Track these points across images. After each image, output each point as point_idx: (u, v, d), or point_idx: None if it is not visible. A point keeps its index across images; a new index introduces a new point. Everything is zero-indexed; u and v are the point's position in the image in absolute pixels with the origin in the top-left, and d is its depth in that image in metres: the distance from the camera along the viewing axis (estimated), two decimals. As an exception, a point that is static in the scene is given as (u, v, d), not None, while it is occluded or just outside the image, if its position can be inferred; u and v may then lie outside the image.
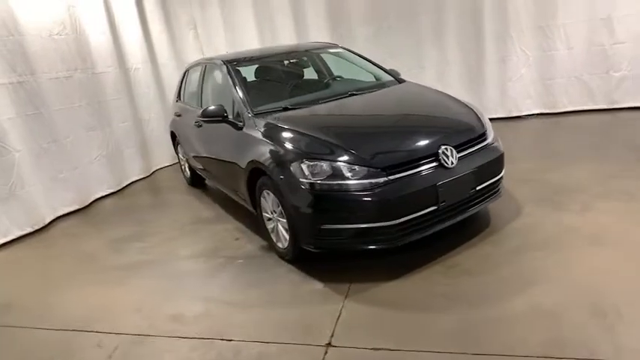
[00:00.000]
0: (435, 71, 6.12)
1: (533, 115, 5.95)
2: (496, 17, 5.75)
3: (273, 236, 3.31)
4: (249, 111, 3.42)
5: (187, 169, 5.47)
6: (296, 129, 3.06)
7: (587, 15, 5.36)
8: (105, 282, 3.42)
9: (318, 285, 2.85)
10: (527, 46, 5.73)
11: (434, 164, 2.74)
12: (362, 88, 3.76)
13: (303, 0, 6.53)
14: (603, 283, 2.42)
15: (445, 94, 3.58)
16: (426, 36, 6.10)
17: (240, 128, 3.44)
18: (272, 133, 3.11)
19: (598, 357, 1.94)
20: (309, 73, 4.33)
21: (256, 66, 4.12)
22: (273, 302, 2.77)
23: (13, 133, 4.57)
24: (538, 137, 5.29)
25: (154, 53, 6.58)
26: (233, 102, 3.61)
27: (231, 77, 3.77)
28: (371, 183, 2.60)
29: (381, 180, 2.61)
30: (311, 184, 2.69)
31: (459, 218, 2.88)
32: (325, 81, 4.15)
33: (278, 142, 3.01)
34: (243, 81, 3.81)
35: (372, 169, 2.63)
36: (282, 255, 3.23)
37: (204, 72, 4.46)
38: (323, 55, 4.39)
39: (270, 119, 3.29)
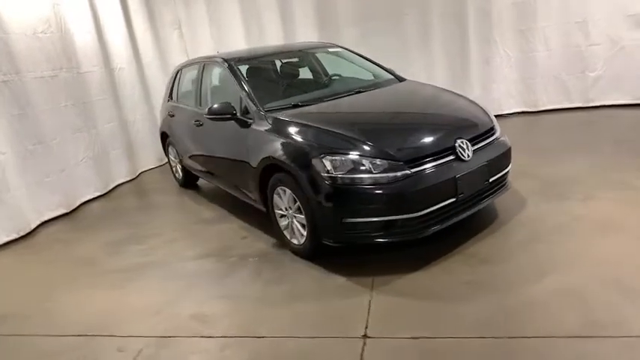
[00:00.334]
0: (422, 72, 6.27)
1: (513, 113, 6.21)
2: (480, 21, 5.97)
3: (286, 233, 3.30)
4: (260, 108, 3.40)
5: (180, 171, 5.35)
6: (313, 124, 3.07)
7: (564, 19, 5.65)
8: (109, 285, 3.30)
9: (340, 279, 2.86)
10: (509, 48, 5.98)
11: (451, 157, 2.82)
12: (367, 86, 3.82)
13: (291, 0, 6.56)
14: (620, 264, 2.55)
15: (449, 90, 3.69)
16: (412, 38, 6.24)
17: (249, 125, 3.42)
18: (288, 129, 3.11)
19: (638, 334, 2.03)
20: (311, 72, 4.34)
21: (259, 64, 4.10)
22: (297, 298, 2.76)
23: (-2, 135, 4.36)
24: (524, 134, 5.51)
25: (138, 53, 6.41)
26: (240, 100, 3.58)
27: (236, 75, 3.74)
28: (395, 176, 2.65)
29: (404, 173, 2.66)
30: (333, 178, 2.71)
31: (475, 209, 2.97)
32: (329, 79, 4.18)
33: (296, 137, 3.01)
34: (249, 79, 3.78)
35: (394, 163, 2.68)
36: (296, 251, 3.23)
37: (203, 71, 4.39)
38: (323, 55, 4.42)
39: (282, 115, 3.28)
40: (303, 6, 6.52)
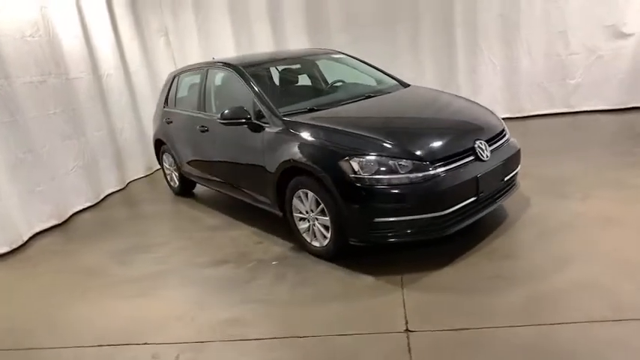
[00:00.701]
0: (411, 79, 6.44)
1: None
2: (467, 30, 6.24)
3: (306, 236, 3.32)
4: (277, 113, 3.43)
5: (176, 179, 5.27)
6: (336, 127, 3.13)
7: (546, 29, 5.99)
8: (127, 294, 3.22)
9: (368, 279, 2.91)
10: (495, 57, 6.26)
11: (471, 157, 2.94)
12: (376, 91, 3.91)
13: (281, 7, 6.62)
14: (629, 254, 2.73)
15: (457, 95, 3.84)
16: (402, 46, 6.43)
17: (263, 130, 3.44)
18: (310, 133, 3.15)
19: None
20: (318, 78, 4.40)
21: (267, 70, 4.13)
22: (328, 299, 2.79)
23: (-12, 143, 4.17)
24: (515, 139, 5.76)
25: (125, 60, 6.28)
26: (253, 104, 3.59)
27: (248, 80, 3.75)
28: (422, 176, 2.74)
29: (431, 173, 2.76)
30: (362, 179, 2.77)
31: (492, 207, 3.10)
32: (337, 84, 4.25)
33: (320, 140, 3.05)
34: (262, 84, 3.80)
35: (420, 163, 2.77)
36: (318, 254, 3.25)
37: (206, 76, 4.37)
38: (328, 61, 4.49)
39: (301, 119, 3.33)
40: (293, 15, 6.60)
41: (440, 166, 2.80)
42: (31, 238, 4.54)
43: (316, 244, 3.25)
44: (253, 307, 2.81)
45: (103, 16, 5.95)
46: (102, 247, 4.16)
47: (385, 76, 4.33)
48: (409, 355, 2.18)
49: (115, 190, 5.90)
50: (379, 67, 4.36)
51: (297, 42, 6.61)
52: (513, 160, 3.23)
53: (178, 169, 5.03)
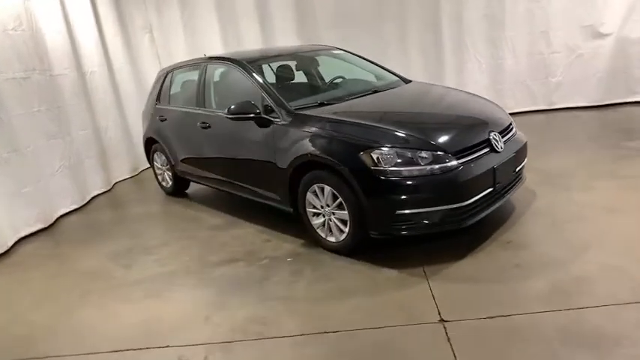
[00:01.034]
0: (399, 77, 6.54)
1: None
2: (453, 29, 6.37)
3: (320, 231, 3.28)
4: (288, 107, 3.38)
5: (168, 178, 5.10)
6: (353, 120, 3.11)
7: (529, 28, 6.20)
8: (132, 298, 3.07)
9: (391, 272, 2.90)
10: (480, 55, 6.42)
11: (487, 149, 2.99)
12: (381, 86, 3.92)
13: (269, 4, 6.55)
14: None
15: (461, 90, 3.90)
16: (390, 44, 6.49)
17: (272, 125, 3.38)
18: (328, 126, 3.11)
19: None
20: (321, 73, 4.37)
21: (272, 66, 4.06)
22: (351, 293, 2.75)
23: (-29, 142, 3.91)
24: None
25: (108, 57, 6.04)
26: (262, 99, 3.52)
27: (255, 76, 3.68)
28: (445, 167, 2.76)
29: (453, 164, 2.78)
30: (385, 171, 2.76)
31: (505, 199, 3.16)
32: (342, 80, 4.22)
33: (339, 134, 3.02)
34: (268, 79, 3.73)
35: (443, 154, 2.79)
36: (333, 249, 3.22)
37: (205, 72, 4.25)
38: (329, 57, 4.46)
39: (315, 113, 3.29)
40: (281, 12, 6.54)
41: (460, 158, 2.82)
42: (15, 244, 4.29)
43: (332, 239, 3.21)
44: (273, 305, 2.75)
45: (86, 11, 5.71)
46: (97, 250, 3.97)
47: (385, 71, 4.35)
48: (449, 345, 2.18)
49: (100, 191, 5.66)
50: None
51: (285, 39, 6.56)
52: (522, 152, 3.31)
53: (172, 168, 4.87)
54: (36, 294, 3.32)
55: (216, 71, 4.23)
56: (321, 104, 3.44)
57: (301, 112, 3.33)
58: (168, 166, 5.01)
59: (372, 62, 4.43)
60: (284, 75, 4.11)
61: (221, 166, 4.11)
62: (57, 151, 4.97)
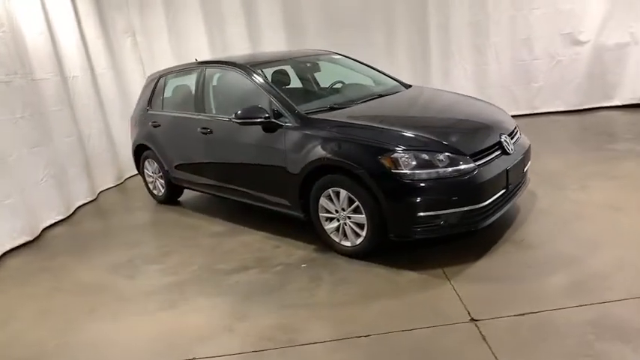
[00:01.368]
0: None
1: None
2: (440, 36, 6.53)
3: (334, 236, 3.26)
4: (299, 111, 3.35)
5: (160, 186, 4.94)
6: (370, 124, 3.12)
7: (512, 36, 6.43)
8: (145, 310, 2.95)
9: (411, 274, 2.91)
10: (466, 62, 6.60)
11: (499, 152, 3.07)
12: (385, 91, 3.94)
13: (257, 8, 6.50)
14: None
15: (463, 94, 3.99)
16: (378, 50, 6.57)
17: (282, 129, 3.34)
18: (344, 130, 3.11)
19: None
20: (321, 78, 4.36)
21: (274, 70, 4.02)
22: (376, 296, 2.74)
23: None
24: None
25: (90, 61, 5.83)
26: (270, 103, 3.48)
27: (262, 80, 3.64)
28: (465, 169, 2.81)
29: (472, 166, 2.83)
30: (406, 174, 2.78)
31: (515, 200, 3.25)
32: (346, 84, 4.22)
33: (356, 137, 3.01)
34: (275, 84, 3.70)
35: (462, 157, 2.84)
36: (348, 253, 3.20)
37: (204, 77, 4.16)
38: (329, 62, 4.47)
39: (327, 117, 3.28)
40: (269, 15, 6.51)
41: (477, 160, 2.88)
42: (0, 258, 4.05)
43: (347, 243, 3.20)
44: (297, 312, 2.70)
45: (67, 12, 5.49)
46: (94, 262, 3.80)
47: (385, 76, 4.39)
48: (486, 343, 2.20)
49: (85, 201, 5.43)
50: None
51: (273, 44, 6.53)
52: (528, 154, 3.41)
53: (166, 175, 4.73)
54: (35, 310, 3.14)
55: (216, 76, 4.15)
56: (332, 108, 3.44)
57: (313, 116, 3.31)
58: (160, 174, 4.86)
59: (371, 67, 4.47)
60: (286, 80, 4.08)
61: (223, 173, 4.02)
62: (41, 160, 4.74)
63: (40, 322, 2.97)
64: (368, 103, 3.61)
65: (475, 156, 2.89)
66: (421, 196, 2.80)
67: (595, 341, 2.12)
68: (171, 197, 4.96)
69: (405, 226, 2.89)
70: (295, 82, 4.15)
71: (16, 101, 4.47)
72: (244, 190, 3.86)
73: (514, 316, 2.38)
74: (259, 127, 3.49)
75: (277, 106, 3.44)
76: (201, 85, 4.18)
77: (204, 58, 5.59)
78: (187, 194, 5.00)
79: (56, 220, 4.85)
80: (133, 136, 5.12)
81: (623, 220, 3.22)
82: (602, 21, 6.11)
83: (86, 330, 2.81)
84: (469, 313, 2.45)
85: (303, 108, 3.42)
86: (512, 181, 3.10)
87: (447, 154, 2.83)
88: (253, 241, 3.75)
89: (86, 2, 5.87)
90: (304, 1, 6.50)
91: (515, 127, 3.45)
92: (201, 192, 4.60)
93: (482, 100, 3.89)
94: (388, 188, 2.83)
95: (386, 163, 2.83)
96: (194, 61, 4.88)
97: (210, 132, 3.96)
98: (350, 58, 4.57)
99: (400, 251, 3.13)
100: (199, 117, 4.12)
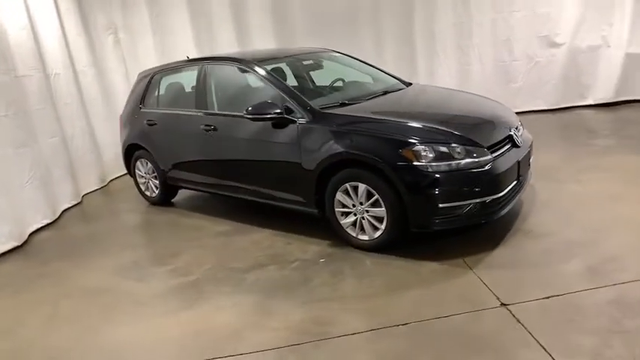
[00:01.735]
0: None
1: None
2: (425, 37, 6.70)
3: (350, 230, 3.28)
4: (313, 107, 3.35)
5: (154, 187, 4.79)
6: (389, 118, 3.17)
7: (493, 38, 6.68)
8: (165, 311, 2.86)
9: (432, 264, 2.97)
10: (450, 62, 6.80)
11: (510, 144, 3.19)
12: (389, 88, 4.01)
13: (246, 7, 6.44)
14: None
15: (465, 91, 4.12)
16: (365, 50, 6.59)
17: (289, 126, 3.34)
18: (362, 124, 3.13)
19: None
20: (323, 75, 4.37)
21: (279, 67, 4.00)
22: (401, 287, 2.78)
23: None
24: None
25: (72, 58, 5.58)
26: (281, 99, 3.46)
27: (272, 77, 3.62)
28: (484, 160, 2.90)
29: (490, 157, 2.93)
30: (428, 166, 2.84)
31: (523, 191, 3.38)
32: (345, 82, 4.25)
33: (377, 131, 3.05)
34: (285, 80, 3.68)
35: (480, 149, 2.93)
36: (366, 247, 3.22)
37: (204, 74, 4.08)
38: (328, 59, 4.49)
39: (342, 112, 3.30)
40: (258, 14, 6.47)
41: (493, 152, 2.98)
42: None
43: (364, 237, 3.22)
44: (327, 305, 2.70)
45: (48, 7, 5.24)
46: (95, 265, 3.64)
47: (384, 74, 4.45)
48: (521, 325, 2.28)
49: (70, 204, 5.19)
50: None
51: (262, 43, 6.49)
52: (531, 147, 3.56)
53: (162, 175, 4.59)
54: (43, 317, 2.97)
55: (219, 72, 4.08)
56: (343, 104, 3.46)
57: (328, 112, 3.32)
58: (154, 174, 4.72)
59: (370, 65, 4.53)
60: (295, 76, 4.07)
61: (229, 171, 3.95)
62: (26, 161, 4.50)
63: (52, 329, 2.82)
64: (377, 99, 3.66)
65: (491, 148, 2.99)
66: (442, 188, 2.86)
67: (622, 319, 2.24)
68: (165, 198, 4.82)
69: (426, 217, 2.94)
70: (290, 80, 4.10)
71: (0, 99, 4.23)
72: (252, 188, 3.81)
73: (541, 299, 2.47)
74: (269, 123, 3.47)
75: (289, 101, 3.43)
76: (203, 82, 4.09)
77: (191, 56, 5.50)
78: (180, 195, 4.88)
79: (43, 225, 4.62)
80: (123, 135, 4.94)
81: (622, 209, 3.40)
82: (576, 24, 6.45)
83: (105, 334, 2.69)
84: (498, 298, 2.53)
85: (315, 103, 3.42)
86: (522, 172, 3.23)
87: (466, 146, 2.91)
88: (263, 239, 3.71)
89: (66, -3, 5.64)
90: (293, 1, 6.50)
91: (520, 122, 3.59)
92: (202, 191, 4.49)
93: (484, 97, 4.02)
94: (410, 180, 2.88)
95: (407, 155, 2.88)
96: (186, 58, 4.80)
97: (215, 129, 3.88)
98: (349, 55, 4.61)
99: (417, 244, 3.18)
100: (202, 114, 4.04)
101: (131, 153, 4.88)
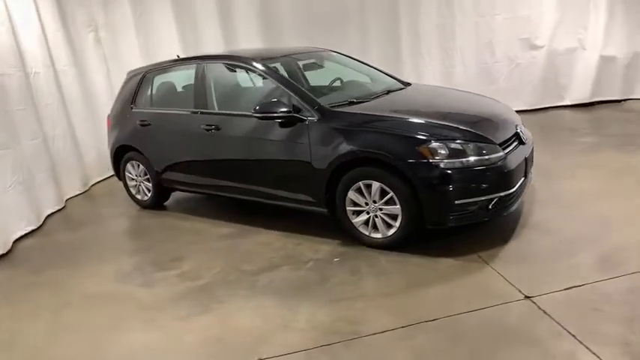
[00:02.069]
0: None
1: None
2: (411, 39, 6.79)
3: (362, 229, 3.26)
4: (324, 105, 3.32)
5: (146, 190, 4.61)
6: (403, 116, 3.18)
7: (475, 40, 6.85)
8: (182, 315, 2.75)
9: (448, 261, 2.99)
10: (434, 63, 6.92)
11: (517, 142, 3.27)
12: (391, 87, 4.02)
13: (232, 5, 6.34)
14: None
15: (466, 91, 4.21)
16: (352, 53, 6.63)
17: (297, 124, 3.31)
18: (376, 123, 3.13)
19: None
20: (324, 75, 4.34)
21: (282, 65, 3.94)
22: (424, 283, 2.78)
23: None
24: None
25: (51, 57, 5.31)
26: (289, 98, 3.41)
27: (278, 75, 3.56)
28: (498, 156, 2.95)
29: (501, 154, 2.99)
30: (444, 163, 2.86)
31: (528, 187, 3.46)
32: (343, 81, 4.23)
33: (391, 129, 3.05)
34: (292, 78, 3.64)
35: (493, 146, 2.98)
36: (379, 245, 3.21)
37: (203, 73, 3.96)
38: (328, 59, 4.47)
39: (353, 110, 3.29)
40: (245, 13, 6.38)
41: (506, 148, 3.05)
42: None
43: (377, 235, 3.21)
44: (350, 304, 2.66)
45: (26, 2, 4.96)
46: (93, 272, 3.47)
47: (382, 73, 4.47)
48: (548, 316, 2.33)
49: (53, 210, 4.93)
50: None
51: (249, 42, 6.40)
52: (533, 145, 3.66)
53: (156, 177, 4.43)
54: (46, 327, 2.80)
55: (220, 71, 3.98)
56: (351, 103, 3.45)
57: (338, 110, 3.30)
58: (147, 177, 4.55)
59: (369, 65, 4.54)
60: (300, 75, 4.03)
61: (232, 171, 3.85)
62: (8, 164, 4.25)
63: (58, 338, 2.66)
64: (383, 98, 3.67)
65: (502, 145, 3.06)
66: (458, 184, 2.90)
67: (645, 306, 2.33)
68: (158, 202, 4.66)
69: (442, 214, 2.97)
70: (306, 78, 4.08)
71: (-20, 99, 3.98)
72: (257, 188, 3.73)
73: (562, 290, 2.53)
74: (275, 122, 3.41)
75: (297, 100, 3.38)
76: (202, 80, 3.98)
77: (181, 56, 5.34)
78: (171, 198, 4.72)
79: (27, 231, 4.37)
80: (112, 137, 4.75)
81: (621, 204, 3.53)
82: (554, 28, 6.72)
83: (117, 342, 2.56)
84: (520, 291, 2.58)
85: (321, 100, 3.39)
86: (528, 169, 3.32)
87: (480, 143, 2.96)
88: (270, 240, 3.64)
89: (44, -8, 5.36)
90: (280, 0, 6.45)
91: (520, 120, 3.69)
92: (201, 193, 4.37)
93: (484, 96, 4.11)
94: (426, 177, 2.90)
95: (424, 152, 2.90)
96: (176, 57, 4.68)
97: (217, 129, 3.78)
98: (346, 55, 4.61)
99: (428, 241, 3.20)
100: (201, 113, 3.92)
101: (121, 155, 4.69)
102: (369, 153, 3.05)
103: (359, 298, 2.72)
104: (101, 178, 6.01)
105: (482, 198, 2.95)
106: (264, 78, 3.66)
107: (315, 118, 3.29)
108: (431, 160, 2.88)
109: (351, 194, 3.21)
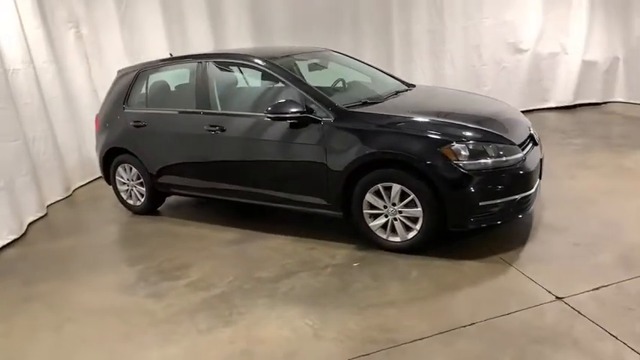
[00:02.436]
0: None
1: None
2: (402, 43, 6.81)
3: (379, 233, 3.18)
4: (339, 106, 3.23)
5: (139, 195, 4.37)
6: (422, 117, 3.12)
7: (464, 43, 6.94)
8: (201, 328, 2.58)
9: (472, 263, 2.95)
10: (425, 67, 6.96)
11: (532, 143, 3.28)
12: (398, 88, 3.97)
13: (222, 2, 6.15)
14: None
15: (473, 92, 4.21)
16: (345, 51, 6.63)
17: (311, 125, 3.21)
18: (395, 124, 3.05)
19: None
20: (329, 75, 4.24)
21: (287, 65, 3.80)
22: (452, 287, 2.73)
23: None
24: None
25: (31, 54, 4.97)
26: (302, 98, 3.29)
27: (291, 75, 3.45)
28: (519, 157, 2.94)
29: (521, 155, 2.98)
30: (468, 164, 2.83)
31: (540, 188, 3.48)
32: (354, 81, 4.15)
33: (412, 130, 2.99)
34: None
35: (514, 147, 2.97)
36: (397, 248, 3.14)
37: (204, 72, 3.78)
38: (332, 60, 4.37)
39: (370, 111, 3.22)
40: (235, 11, 6.20)
41: (524, 149, 3.05)
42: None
43: (396, 239, 3.14)
44: (379, 311, 2.57)
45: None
46: (94, 283, 3.25)
47: (385, 75, 4.43)
48: (584, 317, 2.32)
49: (36, 217, 4.60)
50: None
51: (239, 42, 6.22)
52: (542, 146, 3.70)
53: (151, 181, 4.20)
54: (49, 345, 2.57)
55: (224, 70, 3.82)
56: (365, 103, 3.37)
57: (354, 110, 3.22)
58: (140, 181, 4.31)
59: (371, 66, 4.49)
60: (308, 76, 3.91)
61: (238, 174, 3.69)
62: (-11, 168, 3.93)
63: (66, 357, 2.43)
64: (395, 98, 3.61)
65: (521, 146, 3.05)
66: (482, 186, 2.86)
67: (677, 304, 2.36)
68: (152, 207, 4.43)
69: (464, 216, 2.93)
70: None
71: (-41, 97, 3.66)
72: (265, 191, 3.58)
73: (591, 290, 2.54)
74: (287, 123, 3.29)
75: (310, 100, 3.27)
76: (203, 80, 3.80)
77: (161, 54, 5.10)
78: (166, 203, 4.50)
79: (9, 241, 4.05)
80: (101, 138, 4.47)
81: (626, 202, 3.61)
82: (538, 32, 6.90)
83: (133, 358, 2.37)
84: (550, 292, 2.56)
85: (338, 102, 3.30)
86: (542, 170, 3.34)
87: (502, 144, 2.94)
88: (280, 245, 3.50)
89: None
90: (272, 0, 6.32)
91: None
92: (203, 197, 4.16)
93: (492, 98, 4.12)
94: (450, 179, 2.85)
95: (447, 154, 2.85)
96: (169, 55, 4.49)
97: (222, 130, 3.62)
98: (348, 55, 4.54)
99: (446, 244, 3.15)
100: (204, 114, 3.74)
101: (111, 158, 4.43)
102: (390, 154, 2.98)
103: (388, 304, 2.64)
104: (83, 183, 5.68)
105: (505, 199, 2.93)
106: (273, 77, 3.52)
107: (330, 119, 3.19)
108: (454, 161, 2.84)
109: (369, 197, 3.13)
